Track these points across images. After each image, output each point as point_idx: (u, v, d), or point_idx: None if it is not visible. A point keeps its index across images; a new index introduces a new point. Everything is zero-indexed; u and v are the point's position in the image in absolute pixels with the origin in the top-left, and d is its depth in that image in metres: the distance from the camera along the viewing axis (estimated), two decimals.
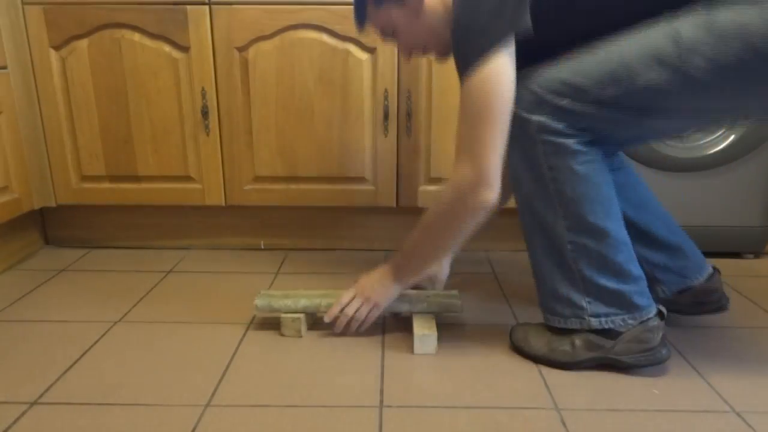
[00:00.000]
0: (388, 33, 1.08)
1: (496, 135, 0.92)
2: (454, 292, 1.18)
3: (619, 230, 1.00)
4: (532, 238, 1.04)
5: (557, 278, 1.03)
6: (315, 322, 1.22)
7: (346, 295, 1.14)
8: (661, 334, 1.01)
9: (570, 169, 0.96)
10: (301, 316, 1.16)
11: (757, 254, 1.65)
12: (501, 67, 0.90)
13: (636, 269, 1.02)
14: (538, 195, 0.97)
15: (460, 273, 1.51)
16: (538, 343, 1.07)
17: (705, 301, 1.18)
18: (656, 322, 1.01)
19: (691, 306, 1.19)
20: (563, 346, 1.04)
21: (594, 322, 1.01)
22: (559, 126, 0.94)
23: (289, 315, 1.16)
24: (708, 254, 1.63)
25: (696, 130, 1.05)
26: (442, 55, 1.10)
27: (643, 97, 0.91)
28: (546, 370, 1.05)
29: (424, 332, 1.10)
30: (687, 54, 0.86)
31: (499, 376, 1.03)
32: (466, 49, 0.92)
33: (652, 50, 0.89)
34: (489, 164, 0.93)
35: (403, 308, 1.15)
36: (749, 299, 1.37)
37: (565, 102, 0.93)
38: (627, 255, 1.01)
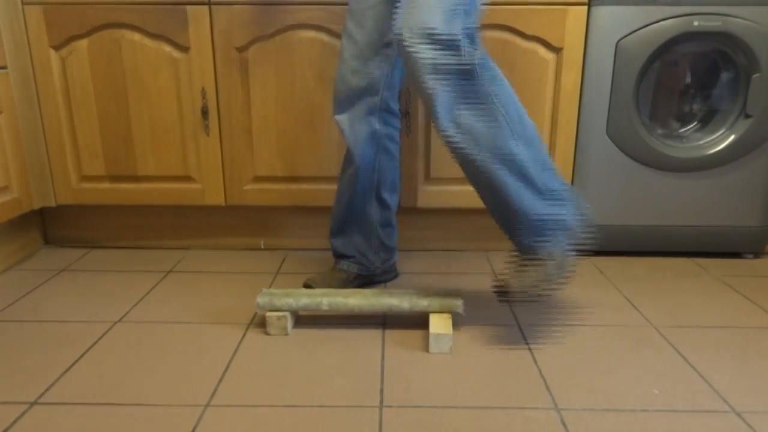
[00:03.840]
0: None
1: None
2: (456, 291, 1.18)
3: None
4: (502, 178, 1.02)
5: (536, 202, 1.05)
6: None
7: None
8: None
9: (499, 79, 1.00)
10: (287, 314, 1.16)
11: (757, 254, 1.65)
12: None
13: None
14: (489, 127, 0.99)
15: (461, 273, 1.51)
16: (528, 277, 1.06)
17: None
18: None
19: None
20: (550, 270, 1.07)
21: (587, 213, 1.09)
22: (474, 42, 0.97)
23: (275, 313, 1.16)
24: (708, 254, 1.64)
25: None
26: None
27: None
28: (546, 371, 1.05)
29: (439, 332, 1.10)
30: None
31: (499, 376, 1.03)
32: None
33: None
34: None
35: (404, 307, 1.15)
36: (749, 299, 1.37)
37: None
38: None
